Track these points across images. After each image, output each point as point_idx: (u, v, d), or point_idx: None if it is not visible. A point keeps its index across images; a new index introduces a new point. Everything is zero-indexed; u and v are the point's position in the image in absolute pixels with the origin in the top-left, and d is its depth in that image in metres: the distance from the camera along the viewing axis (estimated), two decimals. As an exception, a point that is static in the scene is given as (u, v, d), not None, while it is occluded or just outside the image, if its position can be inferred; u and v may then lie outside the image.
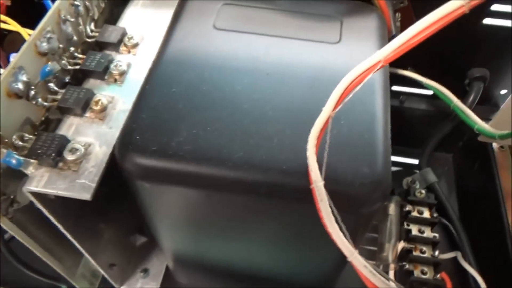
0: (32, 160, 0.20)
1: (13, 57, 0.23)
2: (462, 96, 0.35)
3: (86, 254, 0.27)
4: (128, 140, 0.21)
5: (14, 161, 0.19)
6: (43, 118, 0.23)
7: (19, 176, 0.21)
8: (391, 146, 0.21)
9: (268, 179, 0.20)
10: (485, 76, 0.36)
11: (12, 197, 0.21)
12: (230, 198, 0.21)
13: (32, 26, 0.23)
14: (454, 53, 0.37)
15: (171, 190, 0.22)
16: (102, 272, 0.30)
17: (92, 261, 0.28)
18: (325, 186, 0.18)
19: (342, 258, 0.19)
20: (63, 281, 0.31)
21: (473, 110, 0.34)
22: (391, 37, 0.29)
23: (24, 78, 0.21)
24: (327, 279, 0.31)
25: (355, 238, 0.19)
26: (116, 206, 0.30)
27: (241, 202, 0.21)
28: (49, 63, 0.22)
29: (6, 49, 0.32)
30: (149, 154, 0.20)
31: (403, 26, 0.33)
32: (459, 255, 0.35)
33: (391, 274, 0.33)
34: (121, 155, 0.21)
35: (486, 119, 0.39)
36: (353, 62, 0.24)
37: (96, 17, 0.27)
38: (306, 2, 0.28)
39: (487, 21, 0.34)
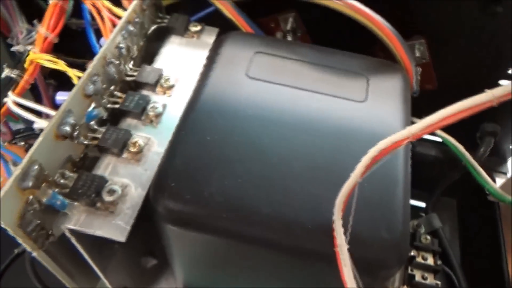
0: (75, 203, 0.21)
1: (59, 96, 0.24)
2: (473, 147, 0.37)
3: (104, 279, 0.28)
4: (163, 185, 0.22)
5: (58, 203, 0.20)
6: (81, 155, 0.24)
7: (54, 211, 0.22)
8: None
9: (292, 238, 0.21)
10: (496, 131, 0.38)
11: (49, 232, 0.22)
12: (254, 251, 0.22)
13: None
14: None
15: (198, 236, 0.23)
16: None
17: (108, 285, 0.29)
18: (349, 250, 0.19)
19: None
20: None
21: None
22: (412, 93, 0.30)
23: (71, 121, 0.22)
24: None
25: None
26: (133, 232, 0.31)
27: (263, 255, 0.23)
28: (95, 108, 0.23)
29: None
30: (183, 201, 0.22)
31: (423, 80, 0.34)
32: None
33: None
34: (155, 200, 0.22)
35: (493, 170, 0.41)
36: (378, 123, 0.26)
37: (135, 56, 0.28)
38: (334, 55, 0.29)
39: (503, 82, 0.35)
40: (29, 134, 0.32)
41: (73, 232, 0.22)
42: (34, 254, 0.22)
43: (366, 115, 0.26)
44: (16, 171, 0.19)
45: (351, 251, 0.19)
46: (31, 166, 0.20)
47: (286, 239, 0.21)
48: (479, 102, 0.18)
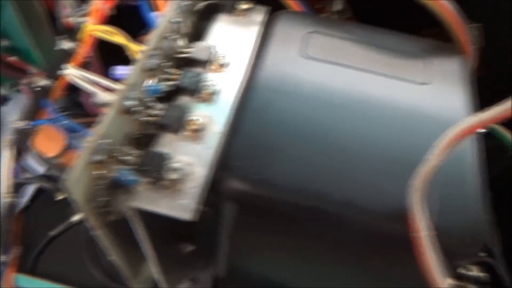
0: (140, 180, 0.20)
1: (120, 70, 0.23)
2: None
3: (153, 263, 0.28)
4: (228, 165, 0.22)
5: (128, 179, 0.19)
6: (139, 132, 0.23)
7: (117, 188, 0.22)
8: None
9: (365, 224, 0.21)
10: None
11: (111, 210, 0.21)
12: (322, 234, 0.22)
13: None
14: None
15: (263, 219, 0.22)
16: (159, 277, 0.31)
17: (155, 268, 0.29)
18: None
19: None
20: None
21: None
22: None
23: (133, 95, 0.21)
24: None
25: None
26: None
27: (331, 242, 0.22)
28: (158, 82, 0.22)
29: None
30: (250, 181, 0.21)
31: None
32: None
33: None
34: (220, 180, 0.21)
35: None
36: (444, 107, 0.25)
37: (185, 32, 0.28)
38: (391, 36, 0.28)
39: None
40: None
41: (136, 210, 0.21)
42: (98, 231, 0.21)
43: (430, 98, 0.25)
44: (88, 143, 0.18)
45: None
46: (102, 140, 0.19)
47: (359, 225, 0.21)
48: None
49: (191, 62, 0.26)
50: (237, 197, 0.21)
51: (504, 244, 0.41)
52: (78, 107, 0.30)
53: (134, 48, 0.23)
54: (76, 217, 0.32)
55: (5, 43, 0.30)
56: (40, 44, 0.29)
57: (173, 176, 0.21)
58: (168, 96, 0.25)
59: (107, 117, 0.19)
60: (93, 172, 0.19)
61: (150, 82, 0.23)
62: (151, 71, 0.23)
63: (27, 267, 0.37)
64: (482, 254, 0.35)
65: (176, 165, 0.21)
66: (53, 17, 0.29)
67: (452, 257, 0.20)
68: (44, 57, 0.30)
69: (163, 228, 0.27)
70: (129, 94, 0.21)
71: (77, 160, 0.18)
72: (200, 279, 0.35)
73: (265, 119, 0.23)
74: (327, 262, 0.25)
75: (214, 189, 0.22)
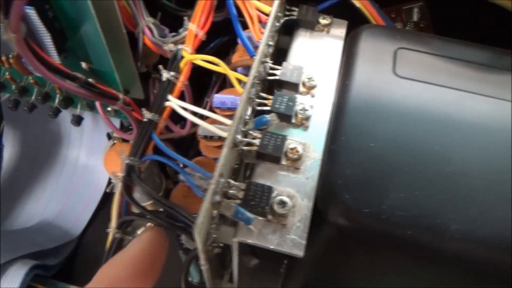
0: (259, 217, 0.20)
1: (218, 98, 0.23)
2: None
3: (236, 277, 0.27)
4: (334, 197, 0.21)
5: (245, 218, 0.19)
6: (238, 162, 0.23)
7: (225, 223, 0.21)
8: None
9: (486, 256, 0.20)
10: None
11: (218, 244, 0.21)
12: (442, 269, 0.21)
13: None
14: None
15: (373, 252, 0.21)
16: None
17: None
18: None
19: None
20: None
21: None
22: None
23: (242, 127, 0.21)
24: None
25: None
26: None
27: (449, 275, 0.21)
28: (267, 115, 0.22)
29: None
30: (362, 215, 0.20)
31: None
32: None
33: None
34: (327, 211, 0.21)
35: None
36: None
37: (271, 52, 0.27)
38: (485, 51, 0.27)
39: None
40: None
41: (243, 244, 0.21)
42: (203, 266, 0.21)
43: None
44: (211, 185, 0.18)
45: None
46: (220, 179, 0.18)
47: (480, 257, 0.20)
48: None
49: (283, 84, 0.26)
50: (347, 231, 0.21)
51: None
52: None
53: (234, 75, 0.22)
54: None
55: (84, 66, 0.30)
56: (121, 68, 0.29)
57: (280, 210, 0.21)
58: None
59: (223, 155, 0.19)
60: (213, 212, 0.19)
61: (249, 112, 0.22)
62: (250, 99, 0.22)
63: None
64: None
65: (281, 198, 0.21)
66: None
67: None
68: (122, 78, 0.30)
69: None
70: (239, 127, 0.20)
71: (203, 204, 0.17)
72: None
73: (364, 146, 0.22)
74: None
75: (316, 219, 0.22)
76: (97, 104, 0.31)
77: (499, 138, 0.23)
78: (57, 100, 0.34)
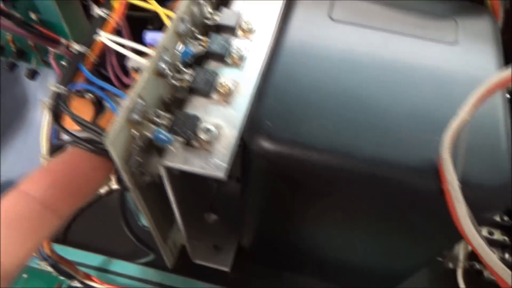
0: (173, 141, 0.21)
1: (149, 35, 0.24)
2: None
3: (182, 227, 0.28)
4: (259, 125, 0.22)
5: (165, 138, 0.20)
6: (171, 96, 0.24)
7: (151, 150, 0.22)
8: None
9: (398, 176, 0.21)
10: None
11: (144, 171, 0.22)
12: (353, 191, 0.22)
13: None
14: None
15: (293, 179, 0.23)
16: (187, 244, 0.32)
17: (184, 233, 0.30)
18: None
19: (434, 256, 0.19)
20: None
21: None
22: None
23: (166, 58, 0.22)
24: (401, 277, 0.32)
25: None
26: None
27: (363, 196, 0.22)
28: (190, 45, 0.23)
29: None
30: (281, 141, 0.21)
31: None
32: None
33: (460, 272, 0.34)
34: (251, 140, 0.22)
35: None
36: (473, 66, 0.25)
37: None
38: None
39: None
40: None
41: (169, 170, 0.22)
42: (131, 191, 0.22)
43: (460, 58, 0.25)
44: (126, 103, 0.19)
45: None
46: (138, 101, 0.19)
47: (390, 179, 0.21)
48: None
49: (218, 29, 0.27)
50: (267, 157, 0.22)
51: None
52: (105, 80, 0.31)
53: (165, 14, 0.23)
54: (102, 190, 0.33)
55: (33, 17, 0.30)
56: (69, 17, 0.30)
57: (205, 136, 0.22)
58: (196, 63, 0.26)
59: (143, 78, 0.20)
60: (131, 131, 0.19)
61: (181, 47, 0.23)
62: (181, 36, 0.23)
63: (59, 237, 0.39)
64: (506, 219, 0.35)
65: (207, 126, 0.22)
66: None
67: (481, 210, 0.20)
68: (72, 30, 0.31)
69: (191, 194, 0.28)
70: (163, 56, 0.21)
71: (116, 118, 0.18)
72: (224, 248, 0.36)
73: (292, 82, 0.23)
74: (359, 223, 0.25)
75: (243, 151, 0.23)
76: (51, 57, 0.32)
77: (416, 74, 0.24)
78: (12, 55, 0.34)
